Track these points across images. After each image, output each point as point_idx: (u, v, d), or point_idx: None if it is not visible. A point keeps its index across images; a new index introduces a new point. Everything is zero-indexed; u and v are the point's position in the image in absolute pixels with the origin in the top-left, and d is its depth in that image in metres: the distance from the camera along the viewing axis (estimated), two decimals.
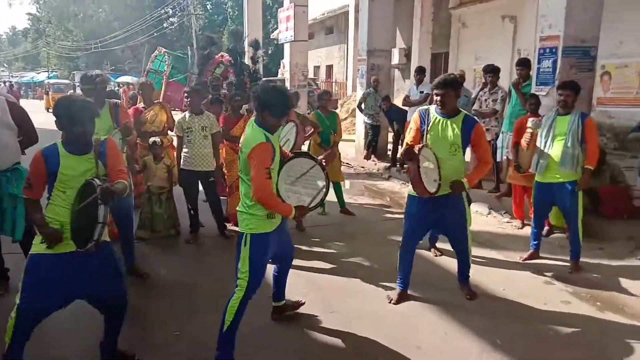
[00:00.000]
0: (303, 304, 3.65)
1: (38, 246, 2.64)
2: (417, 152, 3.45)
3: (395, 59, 16.42)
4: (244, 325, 3.03)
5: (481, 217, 6.33)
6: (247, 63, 6.93)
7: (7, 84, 32.34)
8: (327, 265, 4.67)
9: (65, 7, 37.30)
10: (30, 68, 58.44)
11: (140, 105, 5.39)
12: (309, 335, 3.42)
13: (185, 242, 5.29)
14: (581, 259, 4.62)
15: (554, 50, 5.60)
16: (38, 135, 3.97)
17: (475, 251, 4.98)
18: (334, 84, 22.04)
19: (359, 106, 9.77)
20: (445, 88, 3.52)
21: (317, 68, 24.37)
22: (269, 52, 21.75)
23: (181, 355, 3.16)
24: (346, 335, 3.39)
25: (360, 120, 10.19)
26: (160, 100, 5.75)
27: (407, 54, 16.28)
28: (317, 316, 3.63)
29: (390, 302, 3.83)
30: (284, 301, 3.58)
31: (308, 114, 15.35)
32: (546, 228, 5.37)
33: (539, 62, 5.82)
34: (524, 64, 6.20)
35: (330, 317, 3.62)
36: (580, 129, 4.28)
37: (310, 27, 24.23)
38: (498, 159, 6.49)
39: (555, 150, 4.38)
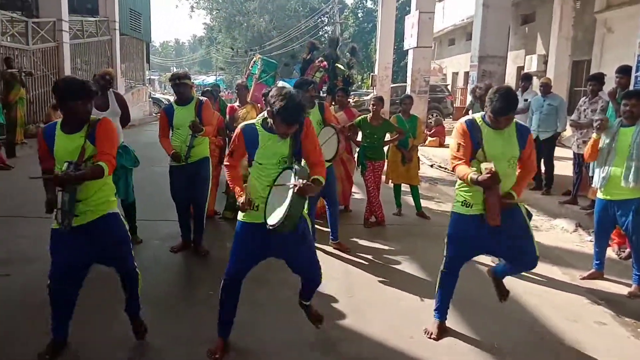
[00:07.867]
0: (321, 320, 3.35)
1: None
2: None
3: (534, 65, 15.50)
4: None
5: (565, 234, 5.98)
6: (342, 68, 7.39)
7: None
8: (372, 258, 4.94)
9: (232, 17, 41.92)
10: (204, 71, 66.45)
11: (236, 104, 6.21)
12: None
13: None
14: None
15: None
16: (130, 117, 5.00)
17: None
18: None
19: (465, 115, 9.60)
20: None
21: (455, 74, 23.87)
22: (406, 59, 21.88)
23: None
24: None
25: None
26: (248, 99, 6.53)
27: (545, 60, 15.26)
28: (335, 301, 3.92)
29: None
30: (309, 303, 3.32)
31: (429, 120, 15.26)
32: (627, 250, 4.94)
33: (636, 71, 5.34)
34: (624, 71, 5.68)
35: (345, 302, 3.91)
36: None
37: (451, 33, 23.92)
38: (591, 174, 6.03)
39: (618, 164, 4.09)
